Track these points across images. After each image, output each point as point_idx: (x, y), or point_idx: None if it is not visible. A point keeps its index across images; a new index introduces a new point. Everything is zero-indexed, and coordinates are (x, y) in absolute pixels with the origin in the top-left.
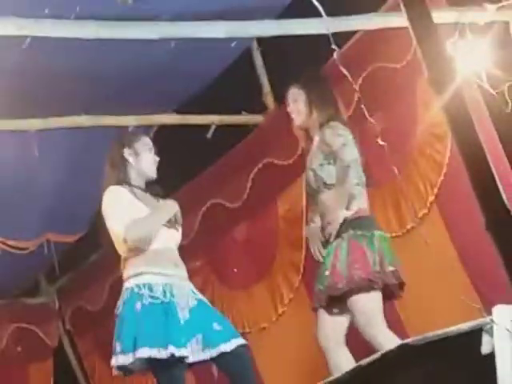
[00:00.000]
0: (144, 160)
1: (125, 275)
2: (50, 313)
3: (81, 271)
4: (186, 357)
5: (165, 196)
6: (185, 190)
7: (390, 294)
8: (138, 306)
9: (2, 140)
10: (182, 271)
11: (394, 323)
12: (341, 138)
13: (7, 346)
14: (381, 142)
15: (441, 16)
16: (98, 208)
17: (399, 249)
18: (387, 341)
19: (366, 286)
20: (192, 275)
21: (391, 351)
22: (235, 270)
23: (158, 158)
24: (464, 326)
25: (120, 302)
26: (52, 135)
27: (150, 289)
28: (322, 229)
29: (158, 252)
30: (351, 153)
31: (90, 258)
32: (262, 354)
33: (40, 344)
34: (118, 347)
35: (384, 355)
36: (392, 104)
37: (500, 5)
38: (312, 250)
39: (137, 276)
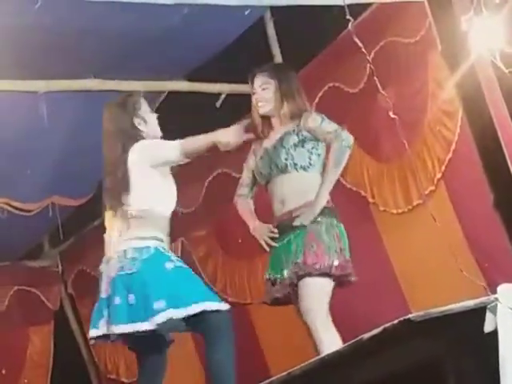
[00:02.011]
0: (151, 125)
1: (140, 234)
2: (52, 276)
3: (84, 235)
4: None
5: None
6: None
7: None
8: (169, 265)
9: (10, 100)
10: None
11: (397, 299)
12: (320, 116)
13: (8, 308)
14: (392, 116)
15: None
16: (118, 167)
17: (404, 225)
18: (327, 333)
19: (330, 274)
20: (197, 244)
21: (393, 325)
22: (240, 240)
23: (156, 115)
24: (467, 304)
25: (137, 257)
26: (60, 97)
27: (172, 255)
28: (279, 217)
29: (167, 219)
30: (333, 124)
31: (94, 222)
32: (263, 326)
33: (41, 307)
34: (159, 304)
35: (385, 329)
36: (403, 79)
37: None
38: (262, 243)
39: (156, 240)
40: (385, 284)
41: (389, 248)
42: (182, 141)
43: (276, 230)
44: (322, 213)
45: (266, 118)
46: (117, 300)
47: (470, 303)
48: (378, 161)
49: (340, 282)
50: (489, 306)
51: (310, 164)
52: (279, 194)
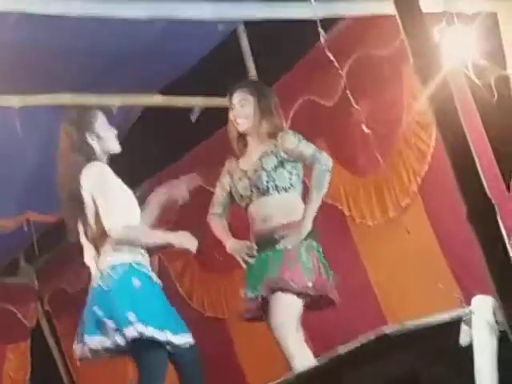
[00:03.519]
0: (106, 140)
1: (111, 247)
2: (28, 293)
3: (61, 252)
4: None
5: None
6: (167, 173)
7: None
8: (137, 282)
9: None
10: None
11: (374, 312)
12: (297, 137)
13: None
14: (366, 130)
15: (429, 4)
16: (69, 189)
17: (381, 237)
18: (298, 348)
19: (303, 294)
20: (173, 259)
21: (369, 340)
22: (216, 254)
23: (115, 131)
24: (443, 316)
25: (113, 275)
26: (35, 112)
27: (146, 269)
28: (258, 231)
29: None
30: (310, 146)
31: None
32: (241, 340)
33: (17, 324)
34: (130, 317)
35: (362, 344)
36: (378, 92)
37: None
38: (240, 260)
39: (131, 253)
40: (361, 296)
41: (365, 260)
42: (126, 228)
43: (255, 246)
44: (311, 235)
45: (240, 136)
46: (92, 314)
47: (446, 316)
48: (353, 174)
49: (318, 302)
50: (464, 319)
51: (291, 185)
52: (261, 214)
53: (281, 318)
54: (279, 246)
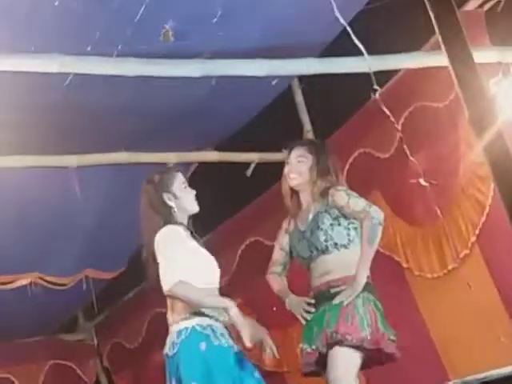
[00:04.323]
0: (184, 199)
1: (179, 315)
2: (87, 349)
3: (119, 308)
4: None
5: (196, 232)
6: (224, 228)
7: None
8: (203, 346)
9: (42, 176)
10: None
11: (434, 365)
12: (346, 193)
13: (45, 382)
14: (423, 183)
15: (484, 55)
16: (149, 247)
17: (440, 290)
18: None
19: (361, 347)
20: None
21: None
22: (274, 308)
23: (194, 191)
24: (504, 370)
25: (175, 341)
26: (92, 171)
27: (214, 331)
28: (316, 287)
29: (214, 293)
30: (361, 200)
31: (128, 294)
32: None
33: (77, 381)
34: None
35: None
36: (435, 143)
37: None
38: (299, 317)
39: (197, 316)
40: (422, 350)
41: (425, 313)
42: (180, 284)
43: (313, 301)
44: (369, 289)
45: (293, 192)
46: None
47: (507, 370)
48: (411, 225)
49: (378, 357)
50: None
51: (350, 240)
52: (320, 270)
53: (339, 372)
54: (335, 301)
